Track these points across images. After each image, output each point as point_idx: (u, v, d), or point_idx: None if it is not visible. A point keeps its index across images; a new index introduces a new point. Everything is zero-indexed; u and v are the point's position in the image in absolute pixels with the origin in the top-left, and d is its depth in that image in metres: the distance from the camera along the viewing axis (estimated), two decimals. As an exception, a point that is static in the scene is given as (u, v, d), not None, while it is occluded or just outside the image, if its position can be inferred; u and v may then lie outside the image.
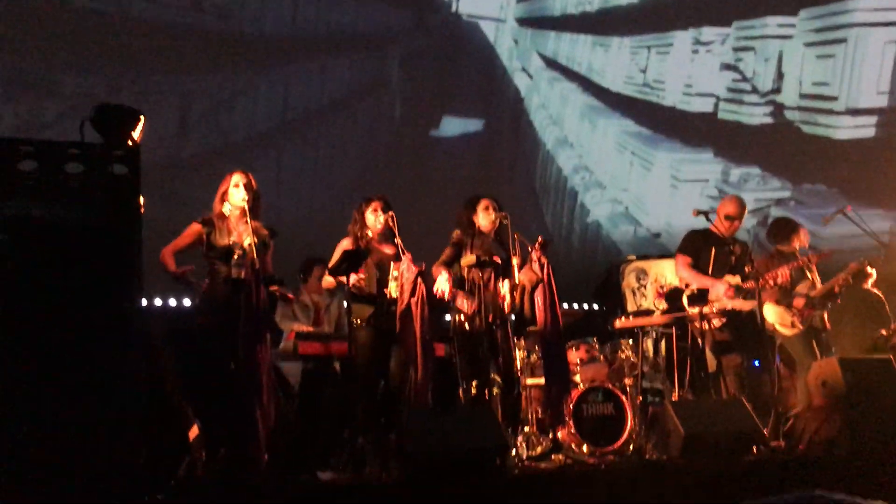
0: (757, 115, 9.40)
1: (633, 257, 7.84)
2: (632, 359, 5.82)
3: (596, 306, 8.41)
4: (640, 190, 9.29)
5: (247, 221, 4.74)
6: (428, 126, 8.72)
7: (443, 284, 4.90)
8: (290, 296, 5.02)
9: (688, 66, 9.51)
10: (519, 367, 5.20)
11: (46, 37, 6.81)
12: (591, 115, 9.45)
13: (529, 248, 5.05)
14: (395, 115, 8.64)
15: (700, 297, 5.46)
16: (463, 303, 5.03)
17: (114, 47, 7.00)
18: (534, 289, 4.97)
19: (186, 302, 6.92)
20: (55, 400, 3.26)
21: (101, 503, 3.22)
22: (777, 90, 9.34)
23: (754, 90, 9.41)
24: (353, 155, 8.27)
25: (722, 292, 5.52)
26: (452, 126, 8.79)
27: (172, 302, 6.97)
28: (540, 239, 5.00)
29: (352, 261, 4.84)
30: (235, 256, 4.61)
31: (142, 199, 3.44)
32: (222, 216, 4.84)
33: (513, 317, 5.12)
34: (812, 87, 9.30)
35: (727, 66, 9.49)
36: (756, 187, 9.15)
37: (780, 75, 9.27)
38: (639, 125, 9.40)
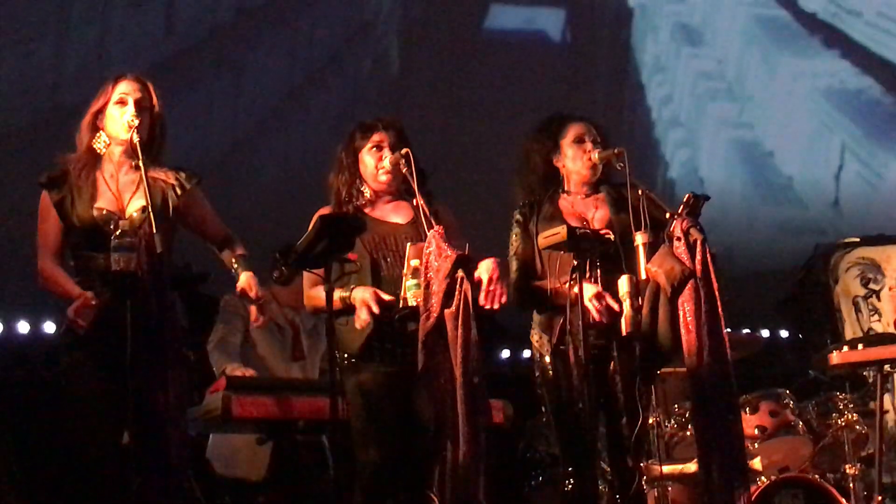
0: None
1: (857, 239, 7.21)
2: (858, 427, 5.38)
3: (785, 333, 7.99)
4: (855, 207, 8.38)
5: (137, 166, 3.82)
6: (464, 21, 8.36)
7: (591, 291, 4.17)
8: (259, 295, 4.11)
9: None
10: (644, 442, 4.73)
11: None
12: (766, 44, 8.79)
13: (668, 214, 4.18)
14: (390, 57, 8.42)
15: None
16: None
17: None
18: (676, 291, 4.10)
19: (22, 327, 6.51)
20: None
21: None
22: None
23: None
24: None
25: None
26: (507, 18, 8.49)
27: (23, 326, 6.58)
28: (689, 197, 4.14)
29: (336, 235, 3.98)
30: (118, 233, 3.77)
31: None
32: (89, 160, 3.96)
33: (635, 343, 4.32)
34: None
35: None
36: None
37: None
38: (853, 95, 8.60)
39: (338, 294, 4.03)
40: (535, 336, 4.40)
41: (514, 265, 4.39)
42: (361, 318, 4.01)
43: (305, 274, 4.16)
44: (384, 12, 8.53)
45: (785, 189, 8.43)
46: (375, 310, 3.99)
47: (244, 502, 5.07)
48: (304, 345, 5.44)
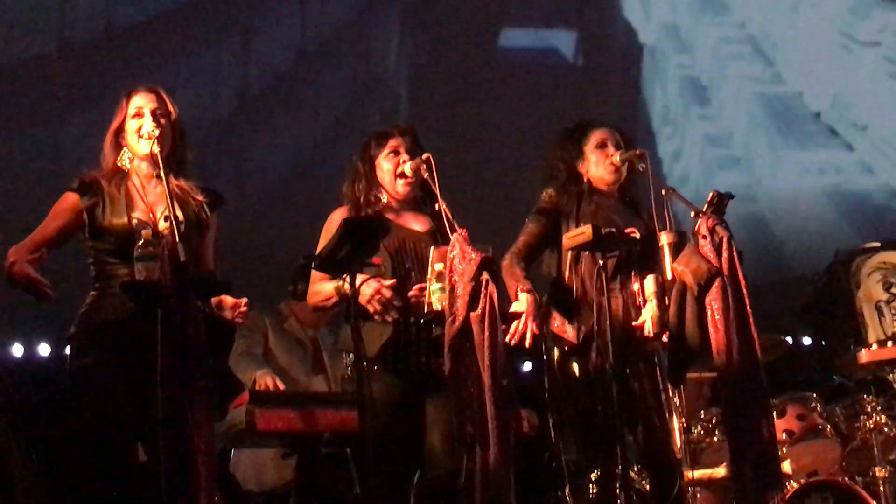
0: None
1: (877, 244, 7.03)
2: (886, 429, 5.33)
3: (807, 340, 7.84)
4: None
5: (158, 175, 3.76)
6: (480, 43, 8.40)
7: (523, 304, 4.13)
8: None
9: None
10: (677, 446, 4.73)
11: None
12: (772, 130, 8.79)
13: (693, 214, 4.10)
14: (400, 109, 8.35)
15: None
16: (564, 326, 4.28)
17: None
18: (703, 290, 4.03)
19: (43, 349, 6.59)
20: None
21: None
22: None
23: None
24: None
25: None
26: (519, 39, 8.56)
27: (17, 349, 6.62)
28: (713, 195, 4.11)
29: (360, 238, 3.87)
30: (140, 242, 3.69)
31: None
32: (117, 174, 3.92)
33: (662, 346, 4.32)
34: None
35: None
36: None
37: None
38: (860, 199, 8.62)
39: (332, 285, 3.93)
40: (555, 322, 4.32)
41: (522, 241, 4.33)
42: (386, 314, 3.91)
43: (313, 272, 4.06)
44: (391, 68, 8.48)
45: (796, 284, 8.25)
46: (388, 295, 3.87)
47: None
48: (327, 363, 5.36)
